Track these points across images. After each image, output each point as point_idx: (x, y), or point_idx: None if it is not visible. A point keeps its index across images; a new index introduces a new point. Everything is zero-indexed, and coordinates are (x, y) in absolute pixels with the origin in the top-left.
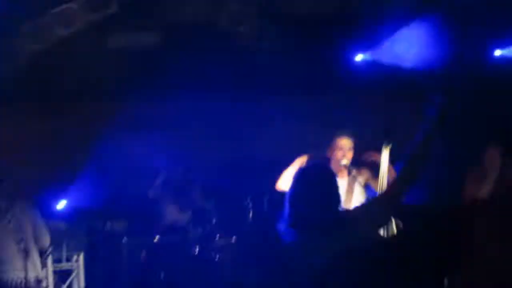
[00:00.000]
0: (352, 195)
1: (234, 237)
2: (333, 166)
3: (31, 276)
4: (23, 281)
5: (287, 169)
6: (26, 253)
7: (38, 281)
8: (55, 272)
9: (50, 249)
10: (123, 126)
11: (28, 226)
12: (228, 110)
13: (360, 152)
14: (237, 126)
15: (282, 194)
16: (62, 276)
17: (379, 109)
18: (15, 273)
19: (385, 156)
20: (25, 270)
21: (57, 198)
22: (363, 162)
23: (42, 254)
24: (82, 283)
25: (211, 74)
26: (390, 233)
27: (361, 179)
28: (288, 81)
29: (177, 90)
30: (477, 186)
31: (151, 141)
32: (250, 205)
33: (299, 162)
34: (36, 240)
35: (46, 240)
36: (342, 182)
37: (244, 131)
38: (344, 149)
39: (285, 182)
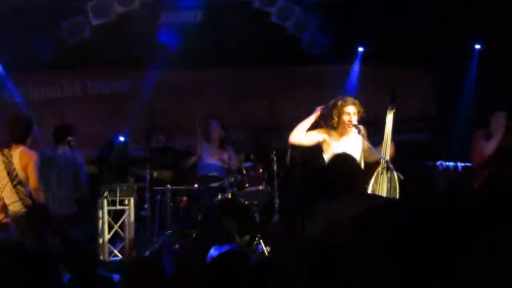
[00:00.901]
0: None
1: (261, 186)
2: (341, 128)
3: None
4: None
5: (300, 123)
6: None
7: None
8: (109, 212)
9: (106, 194)
10: (169, 89)
11: None
12: (258, 77)
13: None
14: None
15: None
16: (116, 215)
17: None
18: None
19: (389, 119)
20: None
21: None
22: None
23: None
24: (132, 221)
25: (244, 47)
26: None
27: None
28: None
29: (214, 60)
30: (485, 143)
31: (193, 103)
32: (275, 159)
33: (314, 116)
34: None
35: None
36: (354, 140)
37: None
38: (350, 113)
39: (297, 135)
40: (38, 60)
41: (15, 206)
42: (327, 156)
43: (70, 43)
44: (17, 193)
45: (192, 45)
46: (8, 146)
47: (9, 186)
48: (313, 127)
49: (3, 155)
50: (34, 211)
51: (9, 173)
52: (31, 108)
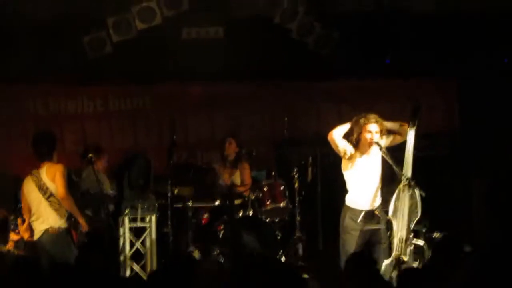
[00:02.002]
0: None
1: (282, 203)
2: (361, 146)
3: None
4: None
5: (342, 125)
6: None
7: None
8: (131, 229)
9: (127, 211)
10: (191, 104)
11: None
12: (279, 93)
13: None
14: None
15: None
16: (137, 232)
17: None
18: None
19: (411, 135)
20: None
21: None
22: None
23: None
24: (154, 239)
25: (265, 62)
26: None
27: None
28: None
29: (236, 75)
30: None
31: (214, 119)
32: (296, 175)
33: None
34: None
35: None
36: (374, 159)
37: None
38: (372, 132)
39: (338, 133)
40: (59, 74)
41: (53, 221)
42: (347, 175)
43: (91, 58)
44: (51, 205)
45: (213, 61)
46: (36, 166)
47: (43, 201)
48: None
49: (32, 175)
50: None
51: (40, 188)
52: (52, 123)
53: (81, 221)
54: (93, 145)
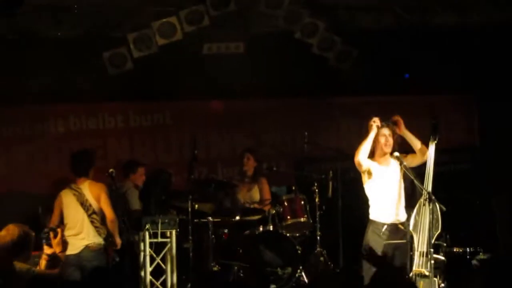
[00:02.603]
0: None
1: (302, 218)
2: (378, 154)
3: None
4: None
5: (363, 142)
6: None
7: None
8: (151, 244)
9: (148, 226)
10: (211, 120)
11: None
12: (300, 107)
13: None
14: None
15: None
16: (158, 248)
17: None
18: None
19: (431, 149)
20: None
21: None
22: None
23: None
24: (174, 254)
25: (286, 77)
26: None
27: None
28: (349, 85)
29: (256, 90)
30: None
31: (235, 135)
32: (317, 190)
33: (373, 132)
34: None
35: None
36: (394, 171)
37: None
38: (386, 135)
39: (362, 154)
40: (80, 91)
41: (94, 237)
42: (367, 188)
43: (112, 74)
44: (92, 222)
45: (234, 76)
46: (73, 181)
47: (85, 218)
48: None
49: (72, 189)
50: (110, 242)
51: (82, 205)
52: (73, 140)
53: (118, 240)
54: (128, 160)
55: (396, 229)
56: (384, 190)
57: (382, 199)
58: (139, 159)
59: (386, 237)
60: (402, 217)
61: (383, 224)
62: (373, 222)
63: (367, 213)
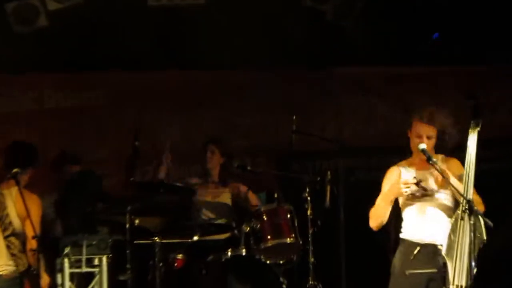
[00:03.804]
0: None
1: (289, 238)
2: (415, 157)
3: None
4: None
5: (377, 204)
6: None
7: None
8: (72, 276)
9: (67, 250)
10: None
11: None
12: (282, 82)
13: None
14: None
15: None
16: (82, 281)
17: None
18: None
19: (472, 140)
20: None
21: None
22: None
23: None
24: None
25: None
26: None
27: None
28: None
29: (227, 57)
30: None
31: (195, 119)
32: (309, 199)
33: (390, 178)
34: None
35: None
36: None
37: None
38: (423, 136)
39: (376, 222)
40: None
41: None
42: (405, 215)
43: (19, 34)
44: (8, 247)
45: (193, 37)
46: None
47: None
48: None
49: None
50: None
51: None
52: None
53: (45, 277)
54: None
55: (433, 253)
56: (421, 199)
57: (418, 210)
58: (55, 152)
59: (418, 263)
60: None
61: (416, 244)
62: (403, 241)
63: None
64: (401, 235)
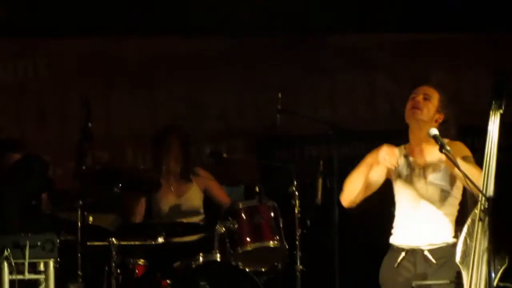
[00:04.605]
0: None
1: (272, 241)
2: (413, 137)
3: None
4: None
5: (351, 175)
6: None
7: None
8: (12, 284)
9: (7, 253)
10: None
11: None
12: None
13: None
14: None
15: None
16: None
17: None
18: None
19: (493, 126)
20: None
21: None
22: None
23: None
24: None
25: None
26: None
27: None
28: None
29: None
30: None
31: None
32: (297, 194)
33: (371, 159)
34: None
35: None
36: (435, 165)
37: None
38: (416, 95)
39: (348, 196)
40: None
41: None
42: (395, 189)
43: None
44: None
45: None
46: None
47: None
48: None
49: None
50: None
51: None
52: None
53: None
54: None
55: (422, 259)
56: (413, 195)
57: (409, 209)
58: None
59: (405, 272)
60: (439, 238)
61: (401, 250)
62: (391, 246)
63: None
64: (390, 239)
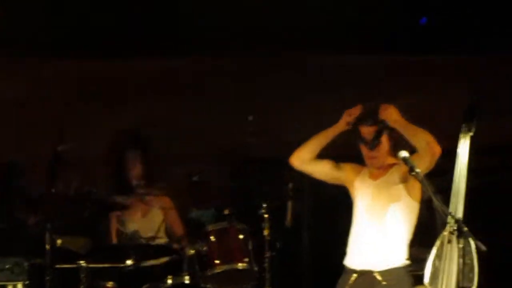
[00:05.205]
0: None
1: (241, 263)
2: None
3: None
4: None
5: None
6: None
7: None
8: None
9: None
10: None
11: None
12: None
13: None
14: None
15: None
16: None
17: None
18: None
19: (463, 148)
20: None
21: None
22: None
23: None
24: None
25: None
26: None
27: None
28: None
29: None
30: None
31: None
32: (266, 217)
33: (338, 126)
34: None
35: None
36: (396, 185)
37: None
38: (365, 134)
39: (301, 155)
40: None
41: None
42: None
43: None
44: None
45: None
46: None
47: None
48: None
49: None
50: None
51: None
52: None
53: None
54: None
55: (372, 283)
56: (367, 216)
57: (361, 231)
58: None
59: None
60: (391, 260)
61: (353, 271)
62: (344, 268)
63: None
64: (344, 261)
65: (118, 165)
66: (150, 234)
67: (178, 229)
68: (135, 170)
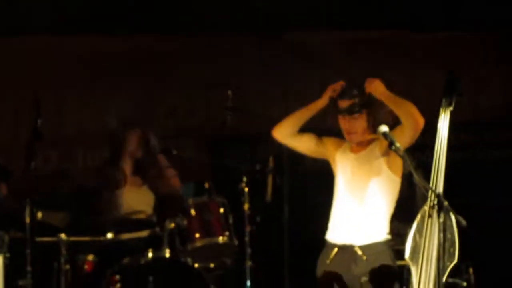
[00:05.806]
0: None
1: (222, 237)
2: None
3: None
4: None
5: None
6: None
7: None
8: None
9: None
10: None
11: None
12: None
13: None
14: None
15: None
16: None
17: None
18: None
19: (443, 123)
20: None
21: None
22: None
23: None
24: None
25: None
26: None
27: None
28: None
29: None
30: None
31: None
32: (247, 191)
33: (321, 101)
34: None
35: None
36: (376, 159)
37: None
38: (343, 108)
39: (283, 129)
40: None
41: None
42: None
43: None
44: None
45: None
46: None
47: None
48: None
49: None
50: None
51: None
52: None
53: None
54: None
55: (352, 257)
56: (347, 190)
57: (342, 205)
58: None
59: (337, 268)
60: (372, 236)
61: (333, 246)
62: (325, 242)
63: None
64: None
65: (115, 143)
66: (141, 208)
67: (176, 181)
68: (133, 143)
